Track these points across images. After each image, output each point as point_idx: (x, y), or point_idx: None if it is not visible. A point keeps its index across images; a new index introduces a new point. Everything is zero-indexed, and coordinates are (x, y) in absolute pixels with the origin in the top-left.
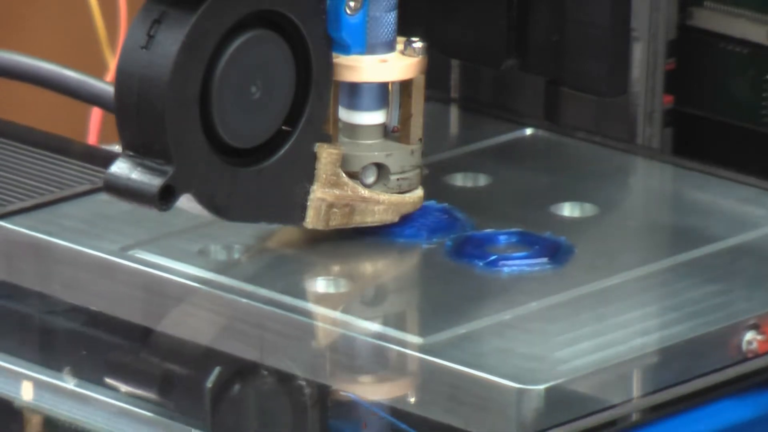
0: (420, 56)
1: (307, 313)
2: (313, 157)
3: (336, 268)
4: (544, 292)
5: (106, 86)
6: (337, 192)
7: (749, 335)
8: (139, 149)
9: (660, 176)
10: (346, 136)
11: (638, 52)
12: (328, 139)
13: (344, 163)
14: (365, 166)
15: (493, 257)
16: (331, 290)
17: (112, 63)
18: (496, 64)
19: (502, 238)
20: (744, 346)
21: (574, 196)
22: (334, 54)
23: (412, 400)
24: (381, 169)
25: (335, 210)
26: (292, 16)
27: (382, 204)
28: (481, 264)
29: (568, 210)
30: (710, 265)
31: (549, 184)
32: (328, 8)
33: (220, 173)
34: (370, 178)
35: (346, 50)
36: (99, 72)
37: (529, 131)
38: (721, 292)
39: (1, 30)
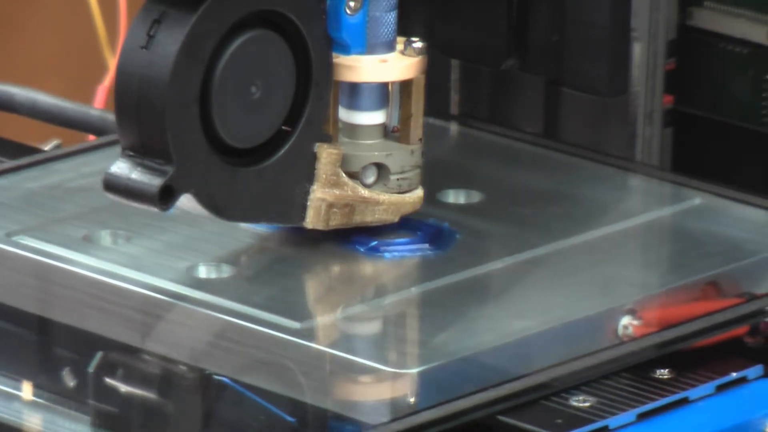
0: (420, 56)
1: (188, 299)
2: (313, 157)
3: (219, 254)
4: (423, 277)
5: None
6: (337, 192)
7: (625, 320)
8: (139, 149)
9: (549, 165)
10: (346, 136)
11: (638, 52)
12: (328, 139)
13: (344, 163)
14: (365, 166)
15: (374, 243)
16: (213, 275)
17: (112, 63)
18: (496, 64)
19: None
20: (620, 331)
21: (459, 183)
22: (334, 54)
23: (288, 384)
24: (381, 169)
25: (335, 210)
26: (292, 16)
27: (382, 204)
28: (362, 250)
29: (452, 197)
30: (592, 251)
31: (435, 171)
32: (328, 8)
33: (220, 173)
34: (370, 178)
35: (346, 50)
36: (99, 72)
37: None
38: (601, 277)
39: (1, 30)
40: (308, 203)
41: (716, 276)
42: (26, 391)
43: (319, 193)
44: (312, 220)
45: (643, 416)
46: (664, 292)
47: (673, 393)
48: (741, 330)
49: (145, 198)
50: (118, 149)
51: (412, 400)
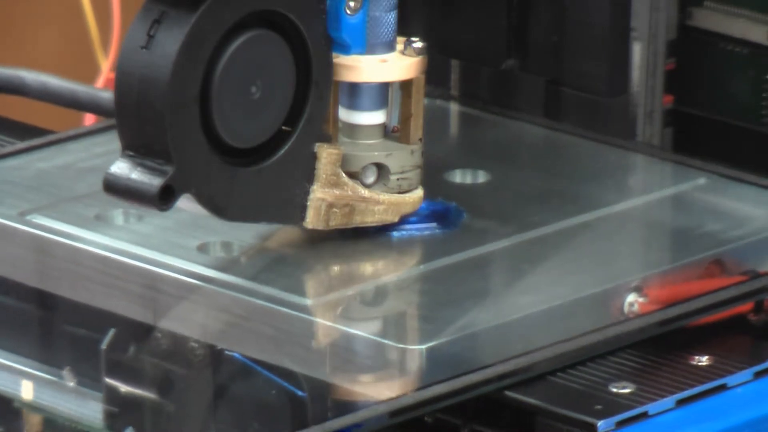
0: (420, 56)
1: (199, 276)
2: (313, 157)
3: (229, 232)
4: (431, 255)
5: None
6: (337, 192)
7: (631, 297)
8: (139, 149)
9: (553, 145)
10: (346, 136)
11: (638, 52)
12: (328, 139)
13: (344, 163)
14: (365, 166)
15: None
16: (223, 254)
17: (105, 65)
18: (496, 64)
19: None
20: (626, 308)
21: (466, 163)
22: (334, 54)
23: (298, 360)
24: (381, 169)
25: (335, 210)
26: (292, 16)
27: (382, 204)
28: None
29: (459, 177)
30: (597, 230)
31: (443, 151)
32: (328, 8)
33: (220, 173)
34: (370, 178)
35: (346, 50)
36: (92, 74)
37: (425, 100)
38: (606, 255)
39: None
40: (308, 203)
41: (721, 254)
42: (39, 369)
43: (319, 193)
44: (312, 220)
45: (682, 402)
46: (669, 270)
47: (712, 380)
48: (745, 307)
49: (145, 198)
50: None
51: (420, 375)
